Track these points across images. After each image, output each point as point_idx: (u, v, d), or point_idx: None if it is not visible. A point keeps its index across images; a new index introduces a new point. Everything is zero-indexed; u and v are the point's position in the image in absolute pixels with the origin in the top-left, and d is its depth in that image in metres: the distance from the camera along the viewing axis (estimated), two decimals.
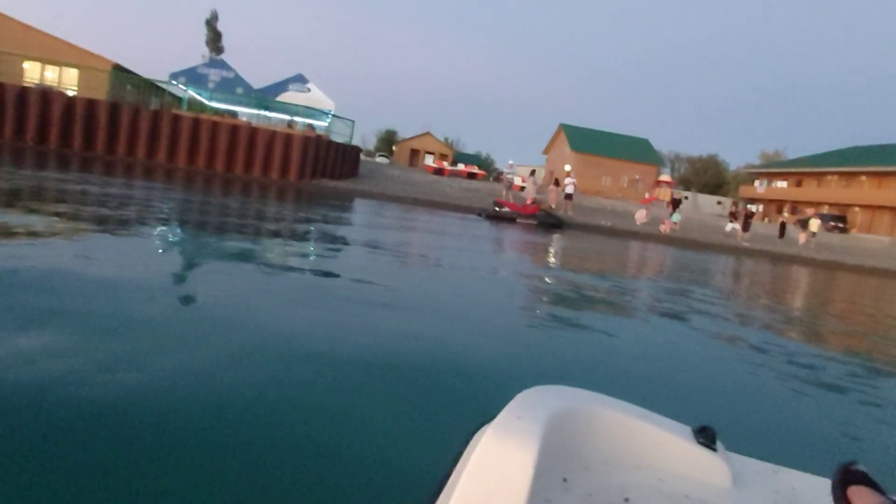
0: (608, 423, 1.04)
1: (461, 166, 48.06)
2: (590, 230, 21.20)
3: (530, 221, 19.53)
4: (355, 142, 27.46)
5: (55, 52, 28.68)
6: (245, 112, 27.16)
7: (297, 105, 24.78)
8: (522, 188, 28.19)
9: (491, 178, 48.98)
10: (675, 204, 24.36)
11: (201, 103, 27.36)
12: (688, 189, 60.61)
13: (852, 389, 4.65)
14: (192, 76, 23.89)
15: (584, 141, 50.25)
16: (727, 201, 51.75)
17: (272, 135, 20.89)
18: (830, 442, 3.40)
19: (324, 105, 25.32)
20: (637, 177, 49.52)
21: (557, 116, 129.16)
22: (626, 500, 0.93)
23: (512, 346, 4.39)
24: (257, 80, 24.99)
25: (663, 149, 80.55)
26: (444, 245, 10.76)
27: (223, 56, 42.11)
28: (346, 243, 9.09)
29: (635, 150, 51.30)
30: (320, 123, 26.29)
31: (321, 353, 3.50)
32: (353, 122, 26.27)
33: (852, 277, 18.53)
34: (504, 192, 24.18)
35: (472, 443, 0.99)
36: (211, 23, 45.07)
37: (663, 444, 1.03)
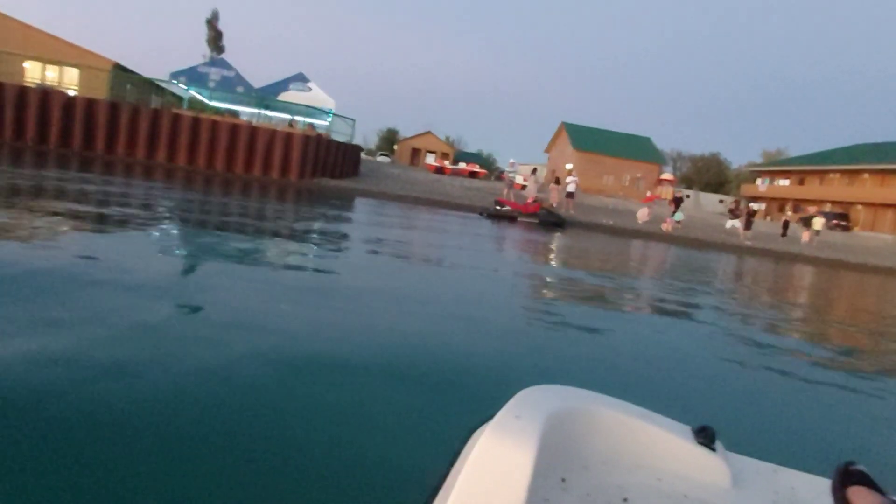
0: (607, 422, 1.04)
1: (462, 165, 48.02)
2: (591, 229, 21.14)
3: (532, 220, 19.47)
4: (356, 141, 27.43)
5: (56, 51, 28.70)
6: (246, 111, 27.15)
7: (297, 104, 24.74)
8: (524, 187, 28.14)
9: (492, 177, 48.91)
10: (677, 202, 24.26)
11: (202, 103, 27.35)
12: (690, 187, 60.47)
13: (853, 389, 4.62)
14: (193, 75, 23.86)
15: (586, 139, 50.16)
16: (729, 200, 51.64)
17: (272, 134, 20.86)
18: (830, 442, 3.38)
19: (324, 104, 25.28)
20: (639, 175, 49.43)
21: (559, 115, 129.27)
22: (625, 499, 0.93)
23: (511, 345, 4.37)
24: (258, 80, 25.10)
25: (665, 147, 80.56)
26: (445, 244, 10.72)
27: (224, 55, 42.11)
28: (346, 243, 9.06)
29: (637, 149, 51.20)
30: (321, 122, 26.26)
31: (320, 352, 3.48)
32: (353, 120, 26.26)
33: (855, 276, 18.46)
34: (505, 191, 24.13)
35: (470, 442, 0.99)
36: (212, 22, 45.07)
37: (662, 443, 1.03)
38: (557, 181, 25.90)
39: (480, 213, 20.01)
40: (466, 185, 29.35)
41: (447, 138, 70.79)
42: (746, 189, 56.09)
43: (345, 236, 9.81)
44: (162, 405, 2.49)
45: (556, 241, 14.84)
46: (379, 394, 2.98)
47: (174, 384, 2.72)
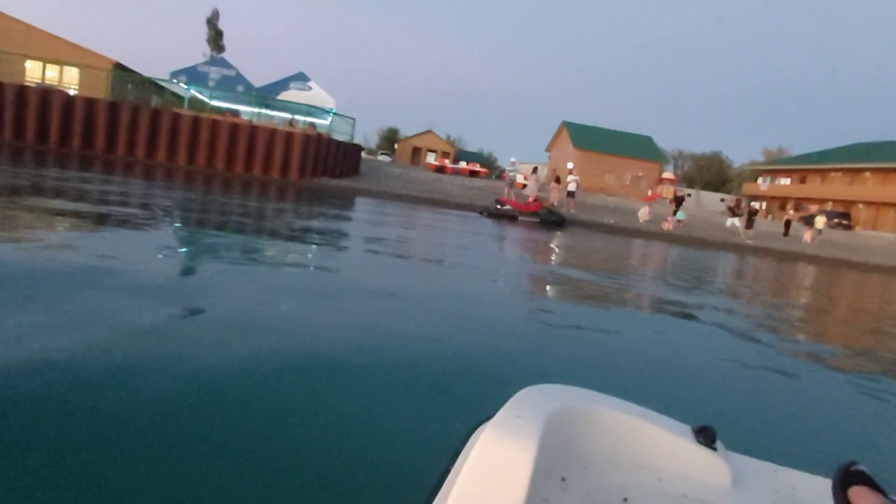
0: (607, 422, 1.03)
1: (463, 164, 48.00)
2: (592, 228, 21.12)
3: (532, 219, 19.44)
4: (357, 140, 27.39)
5: (56, 51, 28.70)
6: (246, 111, 27.12)
7: (298, 103, 24.71)
8: (524, 186, 28.10)
9: (493, 176, 48.87)
10: (678, 201, 24.22)
11: (203, 102, 27.33)
12: (691, 186, 60.41)
13: (854, 389, 4.61)
14: (193, 75, 23.83)
15: (587, 138, 50.11)
16: (730, 199, 51.57)
17: (273, 133, 20.84)
18: (831, 441, 3.37)
19: (325, 103, 25.25)
20: (640, 174, 49.37)
21: (560, 114, 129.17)
22: (625, 499, 0.92)
23: (511, 345, 4.35)
24: (258, 79, 25.04)
25: (666, 146, 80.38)
26: (446, 243, 10.70)
27: (224, 54, 42.06)
28: (346, 243, 9.04)
29: (638, 148, 51.14)
30: (321, 122, 26.23)
31: (320, 352, 3.48)
32: (353, 120, 26.21)
33: (857, 275, 18.42)
34: (506, 190, 24.09)
35: (470, 441, 0.98)
36: (212, 21, 45.01)
37: (663, 443, 1.03)
38: (558, 180, 25.85)
39: (481, 213, 19.97)
40: (467, 185, 29.32)
41: (448, 137, 70.80)
42: (748, 188, 56.03)
43: (345, 236, 9.79)
44: (162, 405, 2.49)
45: (557, 240, 14.81)
46: (379, 393, 2.97)
47: (173, 384, 2.71)
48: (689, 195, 45.99)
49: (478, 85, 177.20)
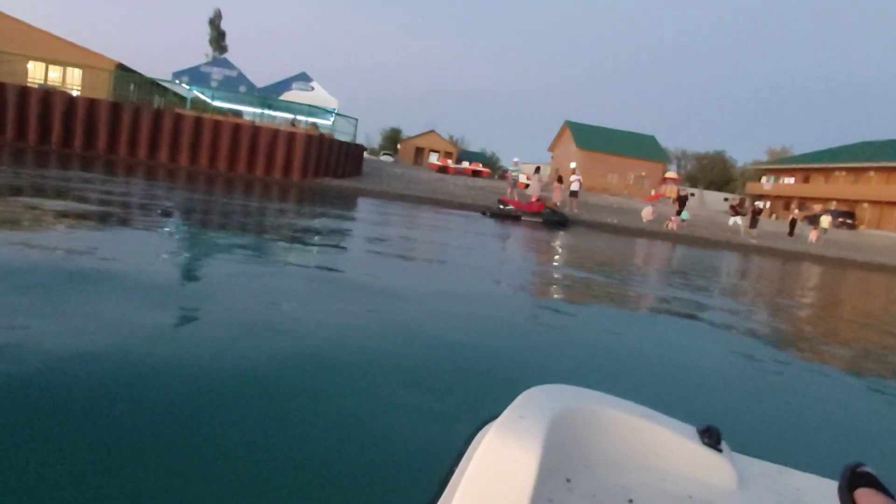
0: (612, 422, 1.03)
1: (466, 164, 47.97)
2: (596, 228, 21.03)
3: (535, 219, 19.36)
4: (360, 140, 27.36)
5: (59, 52, 28.74)
6: (249, 111, 27.09)
7: (300, 104, 24.66)
8: (527, 186, 28.01)
9: (496, 176, 48.80)
10: (682, 201, 24.11)
11: (205, 102, 27.32)
12: (695, 186, 60.26)
13: (860, 389, 4.59)
14: (195, 75, 23.81)
15: (590, 138, 50.01)
16: (732, 198, 51.41)
17: (275, 133, 20.80)
18: (836, 443, 3.35)
19: (327, 103, 25.20)
20: (643, 174, 49.23)
21: (563, 113, 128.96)
22: (630, 500, 0.92)
23: (515, 345, 4.34)
24: (261, 79, 25.01)
25: (670, 145, 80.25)
26: (448, 243, 10.65)
27: (226, 55, 42.06)
28: (348, 243, 8.99)
29: (641, 147, 51.01)
30: (324, 122, 26.19)
31: (323, 352, 3.48)
32: (356, 120, 26.15)
33: (862, 274, 18.32)
34: (509, 190, 24.01)
35: (474, 441, 0.98)
36: (214, 22, 45.05)
37: (668, 444, 1.02)
38: (559, 180, 25.77)
39: (483, 213, 19.88)
40: (470, 185, 29.26)
41: (451, 137, 70.78)
42: (751, 187, 55.87)
43: (347, 237, 9.74)
44: (164, 406, 2.48)
45: (560, 240, 14.75)
46: (382, 394, 2.96)
47: (175, 385, 2.72)
48: (692, 195, 45.86)
49: (480, 85, 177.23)
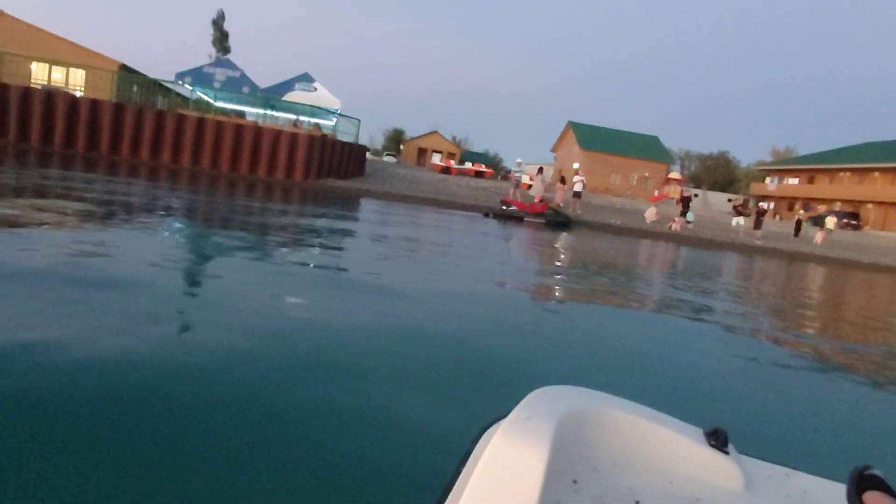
0: (619, 424, 1.03)
1: (468, 165, 47.91)
2: (599, 229, 20.96)
3: (538, 220, 19.29)
4: (362, 141, 27.33)
5: (62, 53, 28.78)
6: (252, 112, 27.09)
7: (303, 104, 24.65)
8: (530, 186, 27.96)
9: (499, 177, 48.73)
10: (685, 202, 24.02)
11: (208, 103, 27.33)
12: (698, 187, 60.09)
13: (868, 391, 4.57)
14: (198, 76, 23.81)
15: (593, 138, 49.91)
16: (735, 198, 51.26)
17: (277, 134, 20.78)
18: (844, 445, 3.33)
19: (330, 104, 25.17)
20: (646, 174, 49.11)
21: (566, 114, 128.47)
22: (637, 502, 0.92)
23: (520, 346, 4.33)
24: (263, 80, 24.92)
25: (673, 146, 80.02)
26: (451, 244, 10.61)
27: (229, 56, 42.12)
28: (351, 244, 8.95)
29: (645, 148, 50.89)
30: (326, 122, 26.17)
31: (329, 352, 3.49)
32: (359, 120, 26.13)
33: (867, 276, 18.22)
34: (511, 191, 23.95)
35: (481, 442, 0.98)
36: (217, 23, 45.14)
37: (674, 446, 1.02)
38: (562, 180, 25.70)
39: (486, 214, 19.80)
40: (472, 185, 29.21)
41: (453, 138, 70.72)
42: (756, 188, 55.69)
43: (350, 238, 9.70)
44: (168, 406, 2.47)
45: (564, 241, 14.69)
46: (388, 394, 2.96)
47: (181, 385, 2.70)
48: (695, 195, 45.76)
49: (484, 85, 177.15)
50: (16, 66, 23.31)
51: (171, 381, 2.73)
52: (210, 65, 24.91)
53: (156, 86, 29.74)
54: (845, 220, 37.52)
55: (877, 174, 43.62)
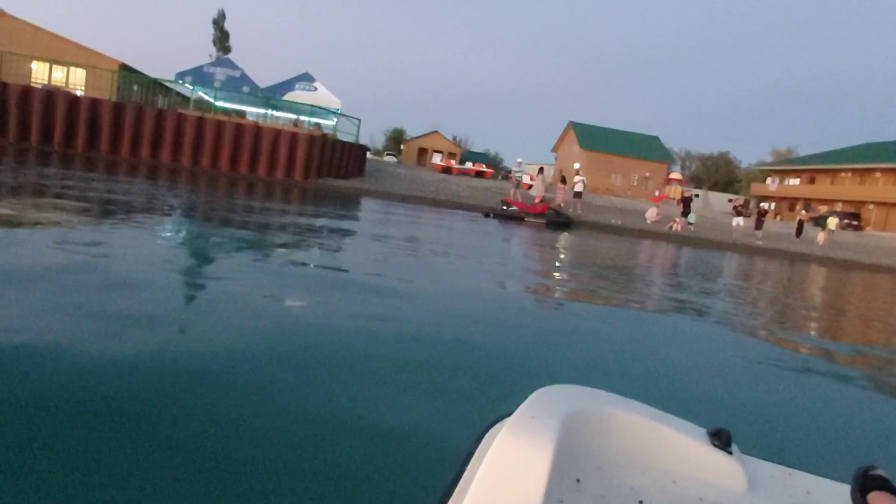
0: (622, 423, 1.03)
1: (469, 164, 47.87)
2: (600, 229, 20.92)
3: (539, 220, 19.24)
4: (363, 140, 27.31)
5: (63, 52, 28.74)
6: (252, 111, 27.05)
7: (303, 104, 24.61)
8: (531, 186, 27.93)
9: (499, 177, 48.68)
10: (686, 202, 23.96)
11: (208, 103, 27.30)
12: (699, 187, 59.98)
13: (872, 391, 4.57)
14: (199, 75, 23.77)
15: (594, 138, 49.86)
16: (736, 199, 51.19)
17: (277, 134, 20.74)
18: (848, 446, 3.33)
19: (330, 104, 25.13)
20: (647, 174, 49.05)
21: (566, 114, 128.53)
22: (640, 502, 0.92)
23: (524, 346, 4.33)
24: (264, 79, 24.84)
25: (674, 146, 79.60)
26: (452, 243, 10.58)
27: (230, 55, 42.09)
28: (351, 244, 8.92)
29: (645, 148, 50.83)
30: (327, 122, 26.13)
31: (330, 352, 3.50)
32: (359, 120, 26.10)
33: (869, 276, 18.17)
34: (512, 191, 23.91)
35: (484, 441, 0.98)
36: (218, 22, 45.13)
37: (678, 445, 1.02)
38: (563, 180, 25.66)
39: (487, 215, 19.75)
40: (473, 185, 29.17)
41: (454, 138, 70.65)
42: (756, 188, 55.60)
43: (350, 238, 9.67)
44: (169, 408, 2.47)
45: (564, 241, 14.65)
46: (391, 393, 2.97)
47: (182, 386, 2.70)
48: (696, 195, 45.65)
49: (484, 85, 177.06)
50: (16, 66, 23.29)
51: (170, 382, 2.71)
52: (210, 64, 24.87)
53: (156, 85, 29.72)
54: (846, 221, 37.44)
55: (878, 174, 43.53)
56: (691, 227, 23.33)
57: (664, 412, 1.08)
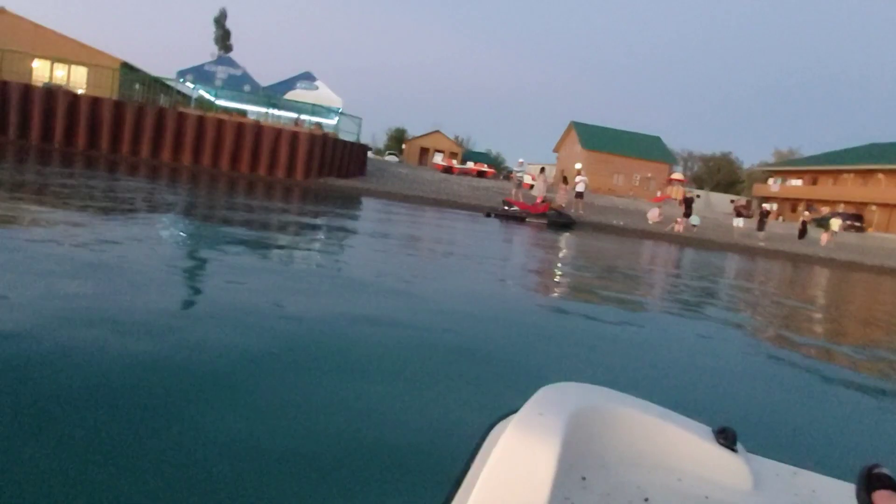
0: (628, 421, 1.03)
1: (471, 164, 47.81)
2: (602, 230, 20.84)
3: (540, 220, 19.16)
4: (365, 140, 27.31)
5: (65, 50, 28.70)
6: (253, 110, 27.02)
7: (304, 103, 24.56)
8: (532, 186, 27.86)
9: (501, 177, 48.63)
10: (688, 203, 23.86)
11: (210, 101, 27.25)
12: (701, 187, 59.87)
13: (877, 392, 4.59)
14: (200, 74, 23.74)
15: (595, 139, 49.78)
16: (738, 199, 51.07)
17: (278, 133, 20.69)
18: (853, 445, 3.34)
19: (332, 103, 25.09)
20: (649, 175, 48.96)
21: (568, 114, 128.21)
22: (646, 499, 0.92)
23: (529, 345, 4.34)
24: (265, 78, 24.80)
25: (676, 147, 79.48)
26: (454, 242, 10.53)
27: (231, 54, 42.01)
28: (351, 244, 8.87)
29: (647, 148, 50.75)
30: (328, 121, 26.08)
31: (332, 350, 3.51)
32: (360, 119, 26.06)
33: (873, 278, 18.09)
34: (513, 191, 23.84)
35: (490, 437, 0.98)
36: (220, 21, 45.07)
37: (683, 444, 1.02)
38: (564, 181, 25.57)
39: (488, 214, 19.67)
40: (474, 185, 29.11)
41: (456, 138, 70.63)
42: (758, 189, 55.47)
43: (351, 237, 9.61)
44: (174, 403, 2.47)
45: (566, 242, 14.58)
46: (396, 390, 2.98)
47: (186, 383, 2.71)
48: (698, 196, 45.58)
49: (486, 85, 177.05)
50: (18, 64, 23.25)
51: (173, 378, 2.73)
52: (212, 63, 24.84)
53: (157, 84, 29.67)
54: (849, 222, 37.32)
55: (881, 176, 43.39)
56: (695, 228, 23.23)
57: (670, 410, 1.08)
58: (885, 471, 0.88)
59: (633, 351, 4.67)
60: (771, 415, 3.59)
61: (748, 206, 41.32)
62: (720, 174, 73.63)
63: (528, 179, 31.79)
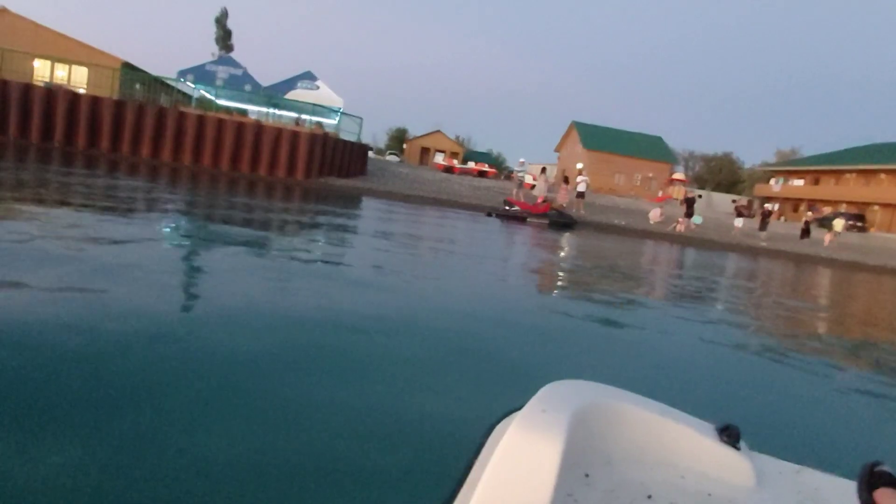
0: (631, 419, 1.03)
1: (471, 164, 47.78)
2: (603, 229, 20.80)
3: (541, 220, 19.11)
4: (366, 140, 27.29)
5: (66, 50, 28.72)
6: (254, 110, 26.99)
7: (305, 103, 24.52)
8: (533, 186, 27.81)
9: (502, 177, 48.58)
10: (689, 203, 23.81)
11: (210, 101, 27.23)
12: (702, 187, 59.80)
13: (878, 390, 4.60)
14: (201, 73, 23.70)
15: (597, 138, 49.73)
16: (739, 199, 51.00)
17: (279, 132, 20.66)
18: (856, 443, 3.35)
19: (333, 103, 25.05)
20: (650, 175, 48.90)
21: (569, 114, 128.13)
22: (649, 496, 0.92)
23: (532, 343, 4.35)
24: (266, 78, 24.75)
25: (677, 146, 79.42)
26: (455, 240, 10.49)
27: (232, 54, 42.02)
28: (352, 244, 8.84)
29: (648, 148, 50.70)
30: (329, 121, 26.04)
31: (335, 349, 3.51)
32: (361, 119, 26.02)
33: (875, 278, 18.04)
34: (514, 191, 23.80)
35: (494, 435, 0.98)
36: (221, 21, 45.09)
37: (686, 441, 1.02)
38: (566, 180, 25.53)
39: (489, 214, 19.63)
40: (475, 185, 29.07)
41: (457, 137, 70.62)
42: (760, 189, 55.40)
43: (352, 238, 9.59)
44: (175, 403, 2.48)
45: (567, 242, 14.55)
46: (400, 388, 3.00)
47: (187, 381, 2.71)
48: (699, 196, 45.49)
49: (487, 85, 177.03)
50: (19, 64, 23.23)
51: (174, 377, 2.73)
52: (212, 62, 24.80)
53: (158, 83, 29.66)
54: (851, 223, 37.25)
55: (883, 176, 43.31)
56: (697, 229, 23.17)
57: (673, 408, 1.08)
58: (886, 468, 0.88)
59: (636, 350, 4.67)
60: (774, 413, 3.60)
61: (749, 206, 41.25)
62: (721, 174, 73.56)
63: (529, 179, 31.73)
